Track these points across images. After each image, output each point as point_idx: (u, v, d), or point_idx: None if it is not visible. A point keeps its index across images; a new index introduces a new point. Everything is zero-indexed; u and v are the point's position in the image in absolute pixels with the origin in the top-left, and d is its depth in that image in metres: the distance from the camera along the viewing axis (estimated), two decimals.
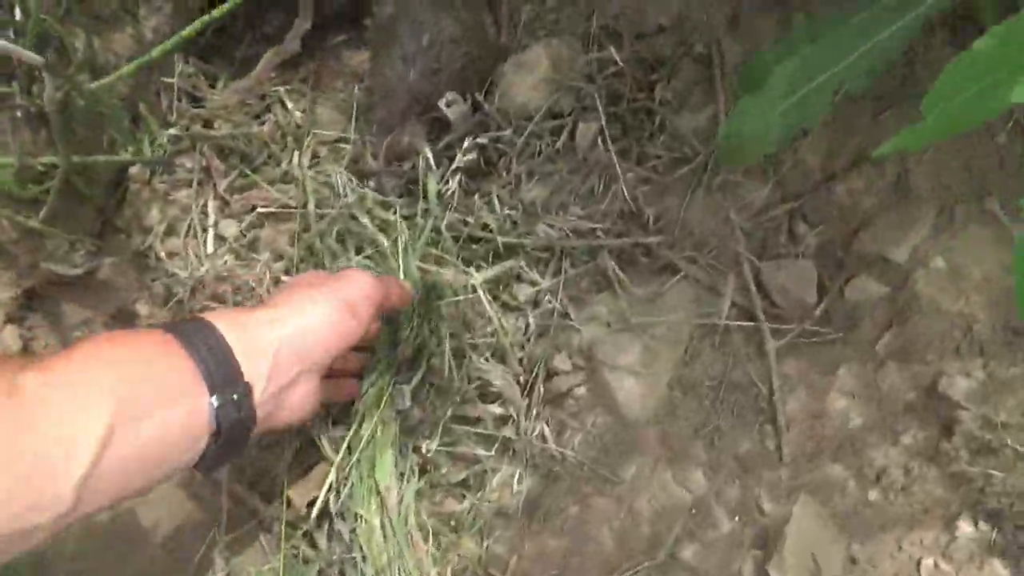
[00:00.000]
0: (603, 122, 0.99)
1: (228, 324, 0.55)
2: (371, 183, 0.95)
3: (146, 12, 0.95)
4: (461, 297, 0.86)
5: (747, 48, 1.01)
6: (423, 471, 0.82)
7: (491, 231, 0.92)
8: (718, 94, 1.00)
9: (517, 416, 0.85)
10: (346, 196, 0.92)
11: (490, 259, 0.93)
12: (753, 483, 0.83)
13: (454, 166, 0.93)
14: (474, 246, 0.93)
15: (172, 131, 0.93)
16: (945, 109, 0.51)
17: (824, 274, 0.91)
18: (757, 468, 0.84)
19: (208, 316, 0.56)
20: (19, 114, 0.82)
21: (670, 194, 0.99)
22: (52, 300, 0.94)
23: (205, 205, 0.95)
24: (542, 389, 0.88)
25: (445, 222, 0.91)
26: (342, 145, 0.99)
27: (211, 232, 0.94)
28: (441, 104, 0.91)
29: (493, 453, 0.84)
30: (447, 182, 0.93)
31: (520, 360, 0.88)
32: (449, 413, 0.82)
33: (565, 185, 0.98)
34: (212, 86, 1.00)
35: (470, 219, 0.92)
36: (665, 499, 0.84)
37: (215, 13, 0.79)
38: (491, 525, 0.81)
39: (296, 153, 0.97)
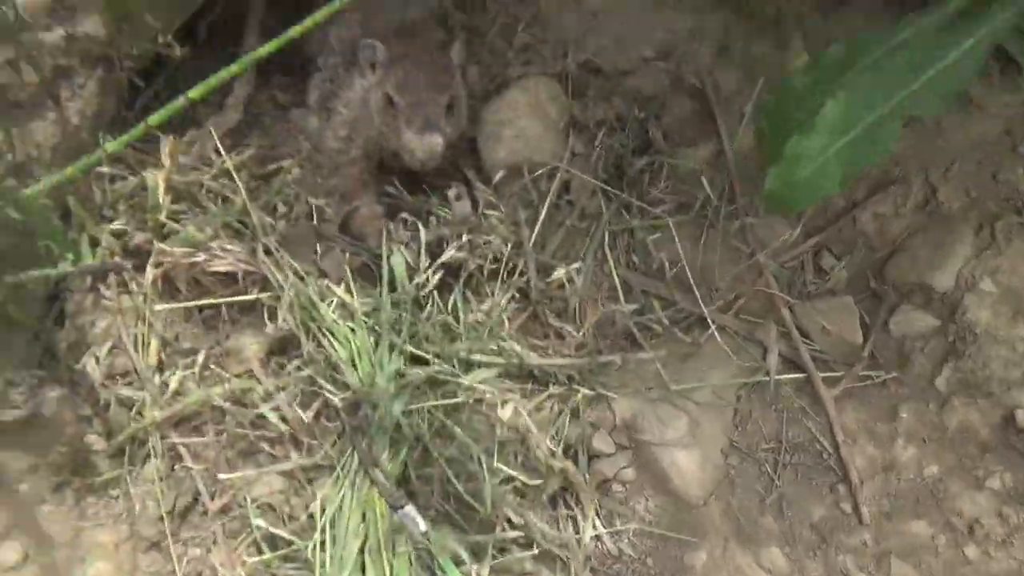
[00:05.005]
0: (598, 171, 0.92)
1: None
2: (320, 259, 0.84)
3: (68, 93, 0.80)
4: (461, 398, 0.75)
5: (742, 77, 0.96)
6: None
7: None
8: (719, 127, 0.94)
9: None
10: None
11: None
12: (836, 552, 0.75)
13: (440, 260, 0.82)
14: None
15: (115, 225, 0.79)
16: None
17: (862, 309, 0.85)
18: (836, 534, 0.76)
19: None
20: None
21: (682, 240, 0.91)
22: None
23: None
24: (586, 478, 0.77)
25: (426, 313, 0.80)
26: None
27: (154, 344, 0.80)
28: (450, 195, 0.87)
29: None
30: (426, 277, 0.81)
31: (551, 450, 0.77)
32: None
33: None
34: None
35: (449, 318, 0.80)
36: None
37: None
38: None
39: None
